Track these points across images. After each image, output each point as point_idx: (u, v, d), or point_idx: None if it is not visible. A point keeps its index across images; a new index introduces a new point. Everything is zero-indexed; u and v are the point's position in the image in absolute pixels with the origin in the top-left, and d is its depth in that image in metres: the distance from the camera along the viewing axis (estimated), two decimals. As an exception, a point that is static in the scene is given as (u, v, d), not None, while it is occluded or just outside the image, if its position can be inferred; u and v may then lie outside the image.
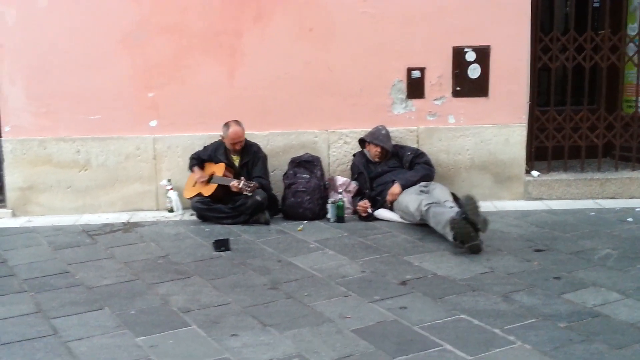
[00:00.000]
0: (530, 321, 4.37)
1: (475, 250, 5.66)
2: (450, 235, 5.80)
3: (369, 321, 4.45)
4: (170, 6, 7.04)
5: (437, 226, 6.04)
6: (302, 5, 7.06)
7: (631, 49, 7.35)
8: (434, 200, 6.26)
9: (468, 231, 5.62)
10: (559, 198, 7.28)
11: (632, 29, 7.44)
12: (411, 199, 6.43)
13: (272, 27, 7.08)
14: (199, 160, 7.03)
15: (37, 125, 7.17)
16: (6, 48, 7.05)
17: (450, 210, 6.00)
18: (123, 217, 7.10)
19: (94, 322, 4.55)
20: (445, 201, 6.29)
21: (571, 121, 7.36)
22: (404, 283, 5.09)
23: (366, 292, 4.91)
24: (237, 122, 6.86)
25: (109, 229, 6.72)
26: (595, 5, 7.49)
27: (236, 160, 6.97)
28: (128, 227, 6.80)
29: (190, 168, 7.03)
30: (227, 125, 6.85)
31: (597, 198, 7.28)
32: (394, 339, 4.20)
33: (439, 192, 6.52)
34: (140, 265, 5.68)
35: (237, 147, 6.88)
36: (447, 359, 3.94)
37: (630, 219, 6.55)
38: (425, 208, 6.16)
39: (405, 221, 6.57)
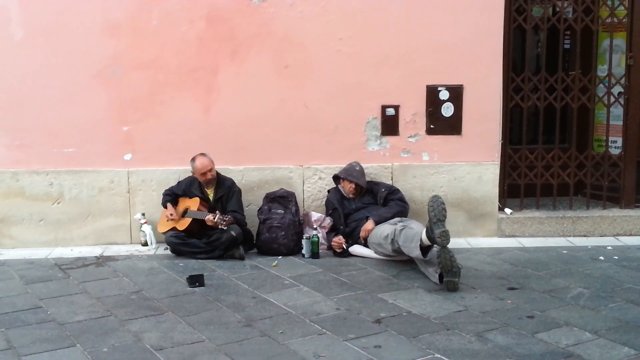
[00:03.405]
0: (504, 361, 4.41)
1: (451, 287, 5.70)
2: (416, 250, 5.92)
3: (344, 360, 4.45)
4: (147, 42, 7.07)
5: (405, 242, 6.10)
6: (279, 43, 7.12)
7: (601, 89, 7.49)
8: (410, 227, 6.31)
9: (453, 264, 5.67)
10: (532, 235, 7.35)
11: (602, 70, 7.59)
12: (386, 228, 6.47)
13: (249, 64, 7.13)
14: (172, 196, 7.02)
15: (10, 158, 7.13)
16: (-20, 80, 7.04)
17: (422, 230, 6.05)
18: (96, 251, 7.04)
19: (65, 360, 4.50)
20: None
21: (543, 160, 7.47)
22: (378, 321, 5.09)
23: (340, 330, 4.91)
24: (202, 154, 6.89)
25: (81, 263, 6.66)
26: (566, 46, 7.64)
27: (211, 194, 6.96)
28: (101, 261, 6.74)
29: (164, 204, 7.01)
30: (193, 159, 6.88)
31: (569, 236, 7.36)
32: (368, 378, 4.20)
33: (417, 225, 6.55)
34: (113, 300, 5.62)
35: (209, 176, 6.86)
36: (422, 399, 3.95)
37: (601, 258, 6.62)
38: (400, 229, 6.22)
39: (380, 256, 6.59)
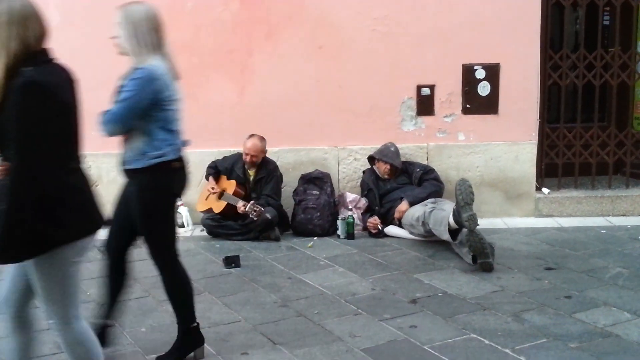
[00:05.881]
0: (541, 341, 4.37)
1: (486, 268, 5.66)
2: (445, 234, 5.93)
3: (379, 340, 4.45)
4: (182, 24, 7.08)
5: (434, 225, 6.09)
6: (313, 23, 7.10)
7: (641, 66, 7.37)
8: (440, 208, 6.28)
9: (483, 245, 5.63)
10: (570, 215, 7.26)
11: (642, 47, 7.46)
12: (417, 209, 6.46)
13: (283, 45, 7.12)
14: (215, 170, 7.06)
15: (49, 141, 7.21)
16: (19, 65, 7.10)
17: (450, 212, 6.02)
18: (134, 233, 7.11)
19: (105, 340, 4.56)
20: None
21: (581, 138, 7.36)
22: (414, 301, 5.09)
23: (376, 311, 4.91)
24: (262, 138, 6.88)
25: (119, 245, 6.73)
26: (605, 23, 7.50)
27: (252, 174, 6.98)
28: (138, 242, 6.80)
29: (207, 177, 7.06)
30: (249, 136, 6.88)
31: (608, 215, 7.26)
32: (404, 358, 4.21)
33: (448, 206, 6.52)
34: (151, 281, 5.65)
35: (248, 159, 6.87)
36: (458, 379, 3.94)
37: (641, 237, 6.55)
38: (430, 210, 6.21)
39: (414, 237, 6.57)
